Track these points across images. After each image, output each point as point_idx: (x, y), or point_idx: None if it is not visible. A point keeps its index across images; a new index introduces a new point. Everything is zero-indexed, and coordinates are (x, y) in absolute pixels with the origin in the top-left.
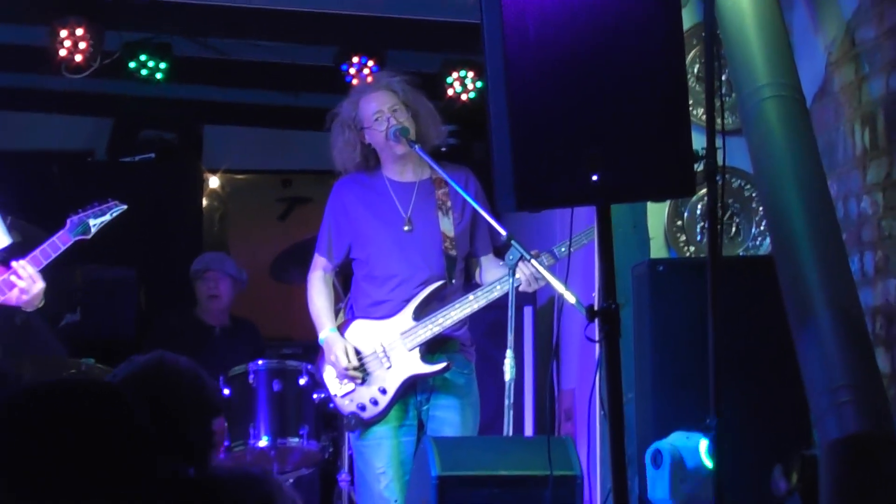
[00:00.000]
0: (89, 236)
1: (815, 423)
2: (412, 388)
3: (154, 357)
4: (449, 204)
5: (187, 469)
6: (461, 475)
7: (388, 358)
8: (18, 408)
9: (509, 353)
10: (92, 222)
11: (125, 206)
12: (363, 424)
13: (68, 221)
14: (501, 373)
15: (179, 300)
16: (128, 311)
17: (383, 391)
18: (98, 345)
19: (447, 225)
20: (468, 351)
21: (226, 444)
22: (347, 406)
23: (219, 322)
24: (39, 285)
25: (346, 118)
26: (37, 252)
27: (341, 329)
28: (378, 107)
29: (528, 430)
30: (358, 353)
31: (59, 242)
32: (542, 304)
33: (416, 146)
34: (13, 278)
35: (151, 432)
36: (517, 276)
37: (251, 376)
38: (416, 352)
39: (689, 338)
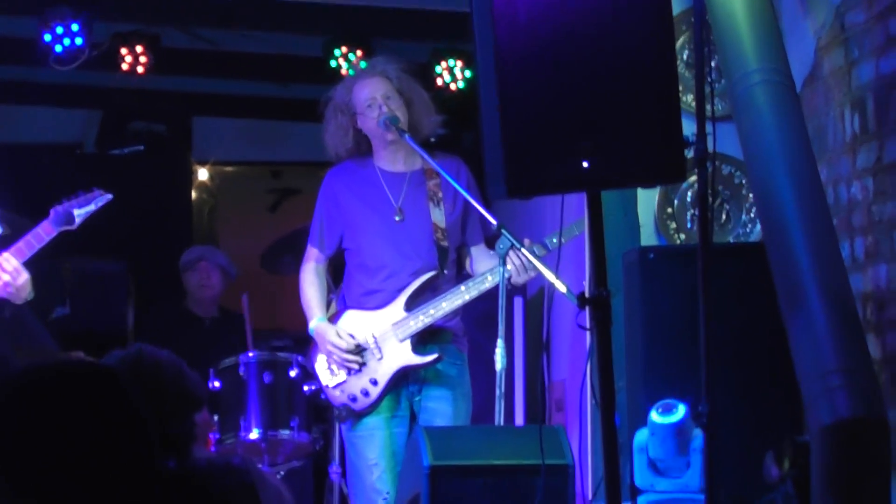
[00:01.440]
0: (74, 226)
1: (807, 408)
2: (404, 379)
3: (133, 350)
4: (440, 194)
5: (167, 461)
6: (453, 465)
7: (380, 349)
8: (16, 391)
9: (500, 343)
10: (76, 212)
11: (111, 196)
12: (354, 416)
13: (52, 212)
14: (492, 362)
15: (169, 293)
16: (118, 304)
17: (374, 382)
18: (88, 338)
19: (438, 215)
20: (460, 341)
21: (216, 436)
22: (339, 397)
23: (209, 314)
24: (24, 277)
25: (339, 102)
26: (20, 243)
27: (333, 319)
28: (371, 93)
29: (519, 421)
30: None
31: (43, 233)
32: (533, 295)
33: (406, 136)
34: None
35: (146, 418)
36: (507, 265)
37: (242, 368)
38: (408, 343)
39: (680, 325)
